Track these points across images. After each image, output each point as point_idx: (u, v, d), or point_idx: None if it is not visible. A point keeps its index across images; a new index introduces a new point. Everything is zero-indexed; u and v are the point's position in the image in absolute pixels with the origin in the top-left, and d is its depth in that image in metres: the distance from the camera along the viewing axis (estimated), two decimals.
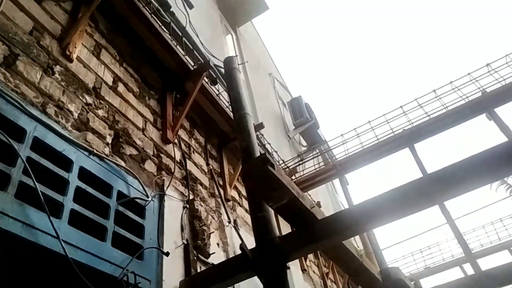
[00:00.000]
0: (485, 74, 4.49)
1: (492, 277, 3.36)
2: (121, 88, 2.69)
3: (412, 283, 6.91)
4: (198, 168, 3.33)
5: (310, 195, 6.24)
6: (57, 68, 2.12)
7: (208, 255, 2.61)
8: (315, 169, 5.05)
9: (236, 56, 6.30)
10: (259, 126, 4.10)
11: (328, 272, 5.94)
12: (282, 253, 1.86)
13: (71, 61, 2.25)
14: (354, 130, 5.05)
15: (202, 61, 3.99)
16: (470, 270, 7.45)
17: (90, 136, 2.14)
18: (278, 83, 10.30)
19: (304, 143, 9.29)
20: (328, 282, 5.93)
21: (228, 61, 3.28)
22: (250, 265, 1.89)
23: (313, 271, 5.48)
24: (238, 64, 6.81)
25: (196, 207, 2.73)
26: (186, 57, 3.76)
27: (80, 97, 2.22)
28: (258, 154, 2.35)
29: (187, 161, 3.16)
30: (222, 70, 3.74)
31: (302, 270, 4.88)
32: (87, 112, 2.22)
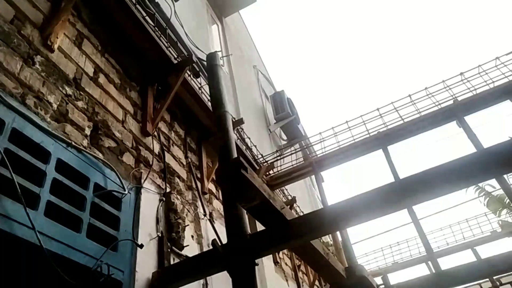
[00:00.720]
0: (459, 82, 4.69)
1: (451, 276, 3.58)
2: (102, 79, 2.70)
3: (380, 277, 7.20)
4: (176, 161, 3.38)
5: (286, 189, 6.39)
6: (38, 59, 2.13)
7: (182, 247, 2.69)
8: (293, 165, 5.17)
9: (220, 51, 6.29)
10: (238, 122, 4.17)
11: (300, 265, 6.12)
12: (251, 251, 1.95)
13: (52, 51, 2.25)
14: (332, 129, 5.19)
15: (186, 53, 4.01)
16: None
17: (68, 127, 2.17)
18: (262, 75, 10.35)
19: (285, 137, 9.42)
20: (300, 274, 6.12)
21: (211, 57, 3.32)
22: (220, 261, 1.98)
23: (285, 263, 5.64)
24: (223, 57, 6.84)
25: (173, 200, 2.80)
26: (170, 49, 3.77)
27: (60, 88, 2.23)
28: (235, 153, 2.43)
29: (166, 154, 3.21)
30: (206, 63, 3.78)
31: (275, 262, 5.03)
32: (67, 104, 2.23)
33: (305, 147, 5.54)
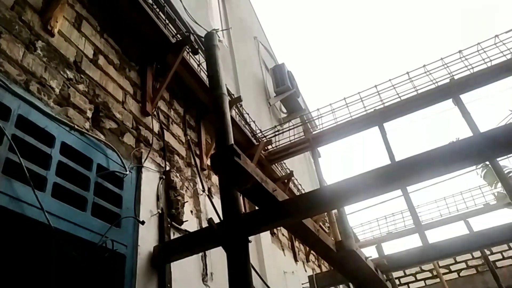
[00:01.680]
0: (457, 60, 4.70)
1: (437, 249, 3.77)
2: (101, 60, 2.77)
3: (375, 246, 7.46)
4: (176, 138, 3.49)
5: (285, 163, 6.52)
6: (39, 44, 2.19)
7: (181, 223, 2.85)
8: (290, 140, 5.28)
9: (218, 29, 6.17)
10: (236, 100, 4.23)
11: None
12: (244, 229, 2.10)
13: (52, 35, 2.31)
14: (330, 105, 5.25)
15: (185, 30, 4.02)
16: (431, 239, 8.09)
17: (71, 111, 2.26)
18: (263, 47, 10.25)
19: (285, 110, 9.47)
20: (296, 243, 6.39)
21: (209, 37, 3.34)
22: (216, 238, 2.14)
23: (282, 234, 5.89)
24: (222, 30, 6.76)
25: (172, 178, 2.93)
26: (169, 26, 3.79)
27: (62, 72, 2.30)
28: (231, 137, 2.53)
29: (166, 132, 3.31)
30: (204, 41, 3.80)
31: (272, 233, 5.26)
32: (68, 88, 2.32)
33: (302, 123, 5.62)
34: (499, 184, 15.57)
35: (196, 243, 2.27)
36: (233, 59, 6.73)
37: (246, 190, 2.00)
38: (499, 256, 10.24)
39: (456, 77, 4.49)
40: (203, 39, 4.09)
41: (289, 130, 5.53)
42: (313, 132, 5.08)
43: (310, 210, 2.17)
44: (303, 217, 2.28)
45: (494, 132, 1.85)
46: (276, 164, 5.71)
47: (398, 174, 1.94)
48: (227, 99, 2.83)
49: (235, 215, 2.14)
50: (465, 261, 10.35)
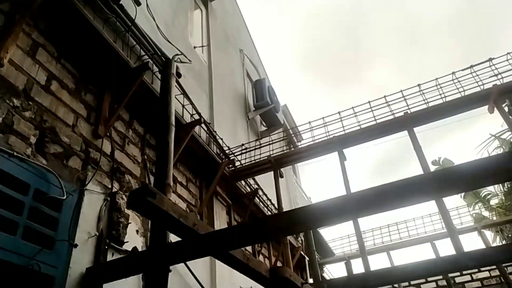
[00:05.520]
0: (416, 93, 4.90)
1: (379, 275, 3.94)
2: (54, 86, 2.91)
3: (344, 262, 7.59)
4: (130, 158, 3.64)
5: (254, 179, 6.66)
6: None
7: (122, 244, 2.99)
8: (254, 160, 5.44)
9: (200, 46, 6.22)
10: (196, 122, 4.36)
11: (261, 250, 6.52)
12: (165, 259, 2.25)
13: (1, 65, 2.45)
14: (295, 127, 5.42)
15: (152, 52, 4.18)
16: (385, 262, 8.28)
17: (12, 138, 2.41)
18: (249, 60, 10.42)
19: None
20: (260, 258, 6.54)
21: (166, 65, 3.52)
22: (138, 265, 2.29)
23: (245, 248, 6.03)
24: (202, 46, 6.92)
25: (117, 200, 3.08)
26: (134, 48, 3.96)
27: (8, 101, 2.45)
28: (171, 167, 2.70)
29: (120, 153, 3.46)
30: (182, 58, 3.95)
31: None
32: (13, 115, 2.46)
33: (260, 146, 5.76)
34: (477, 206, 15.84)
35: (122, 269, 2.42)
36: (211, 74, 6.87)
37: (166, 225, 2.16)
38: (468, 277, 10.46)
39: (412, 110, 4.69)
40: (182, 62, 4.28)
41: (254, 149, 5.69)
42: (274, 154, 5.24)
43: (232, 244, 2.32)
44: (226, 250, 2.43)
45: (441, 172, 2.01)
46: (242, 181, 5.86)
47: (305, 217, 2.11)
48: (172, 129, 3.00)
49: (158, 245, 2.30)
50: (435, 281, 10.57)
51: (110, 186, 3.15)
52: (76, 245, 2.52)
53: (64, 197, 2.58)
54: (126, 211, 3.16)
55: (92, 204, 2.87)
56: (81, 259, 2.58)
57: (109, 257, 2.83)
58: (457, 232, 9.24)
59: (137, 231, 3.32)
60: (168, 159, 2.73)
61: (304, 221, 2.12)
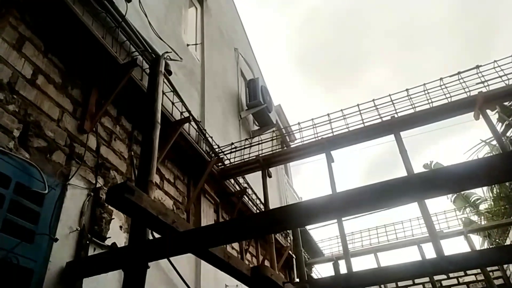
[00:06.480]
0: (404, 97, 4.95)
1: (359, 277, 3.99)
2: (40, 80, 2.92)
3: (332, 263, 7.64)
4: (117, 154, 3.64)
5: (244, 178, 6.69)
6: None
7: (104, 239, 3.00)
8: (243, 159, 5.47)
9: (193, 44, 6.24)
10: (184, 120, 4.38)
11: (248, 248, 6.56)
12: (145, 256, 2.27)
13: None
14: (284, 128, 5.45)
15: (142, 48, 4.20)
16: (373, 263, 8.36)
17: None
18: (243, 59, 10.44)
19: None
20: (247, 256, 6.57)
21: (154, 62, 3.53)
22: (117, 261, 2.31)
23: (232, 247, 6.06)
24: (195, 44, 6.92)
25: (101, 195, 3.09)
26: (124, 44, 3.96)
27: None
28: (154, 164, 2.72)
29: (106, 149, 3.47)
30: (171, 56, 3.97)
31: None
32: None
33: (250, 145, 5.79)
34: (467, 210, 16.02)
35: (102, 264, 2.44)
36: (203, 72, 6.88)
37: (145, 221, 2.18)
38: (454, 281, 10.58)
39: (399, 115, 4.74)
40: (165, 57, 4.28)
41: (244, 148, 5.71)
42: (262, 154, 5.27)
43: (211, 242, 2.35)
44: (205, 247, 2.46)
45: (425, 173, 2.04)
46: (232, 179, 5.88)
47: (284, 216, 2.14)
48: (158, 126, 3.02)
49: (138, 242, 2.32)
50: (422, 284, 10.70)
51: (94, 182, 3.16)
52: (56, 239, 2.53)
53: (46, 191, 2.59)
54: (110, 206, 3.17)
55: (75, 199, 2.88)
56: (61, 253, 2.59)
57: (91, 252, 2.84)
58: (439, 236, 9.34)
59: (120, 227, 3.33)
60: (152, 156, 2.74)
61: (286, 219, 2.15)
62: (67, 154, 2.98)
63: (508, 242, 9.58)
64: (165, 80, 4.32)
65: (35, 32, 2.96)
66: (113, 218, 3.17)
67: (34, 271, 2.38)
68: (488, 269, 8.45)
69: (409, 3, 38.41)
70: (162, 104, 4.08)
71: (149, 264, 2.60)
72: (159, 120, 3.06)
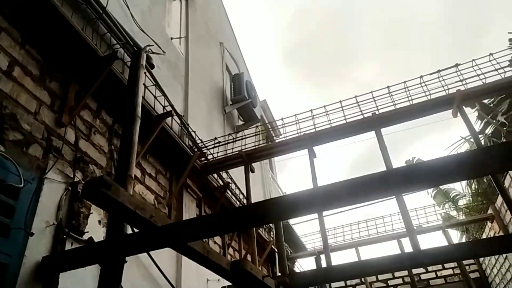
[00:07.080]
0: (385, 95, 5.03)
1: (338, 270, 4.06)
2: (17, 72, 2.86)
3: (314, 257, 7.73)
4: (96, 148, 3.60)
5: (228, 173, 6.70)
6: None
7: (82, 234, 2.98)
8: (226, 154, 5.48)
9: (177, 37, 6.20)
10: (166, 114, 4.35)
11: (231, 243, 6.59)
12: (122, 250, 2.27)
13: None
14: (268, 123, 5.47)
15: (123, 41, 4.14)
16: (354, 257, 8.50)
17: None
18: (228, 54, 10.40)
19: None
20: (230, 251, 6.60)
21: (136, 56, 3.49)
22: (94, 256, 2.30)
23: (214, 242, 6.08)
24: (179, 38, 6.85)
25: (79, 190, 3.05)
26: (104, 37, 3.90)
27: None
28: (134, 158, 2.70)
29: (85, 142, 3.43)
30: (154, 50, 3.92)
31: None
32: None
33: (234, 140, 5.80)
34: (447, 205, 16.41)
35: (78, 258, 2.42)
36: (187, 66, 6.83)
37: (122, 216, 2.17)
38: (433, 274, 10.84)
39: (380, 111, 4.81)
40: (147, 51, 4.23)
41: (226, 144, 5.72)
42: (246, 149, 5.29)
43: (189, 237, 2.36)
44: (184, 242, 2.46)
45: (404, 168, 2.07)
46: (215, 174, 5.89)
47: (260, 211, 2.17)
48: (138, 120, 3.00)
49: (115, 236, 2.31)
50: (402, 277, 10.95)
51: (72, 176, 3.12)
52: (32, 234, 2.50)
53: (22, 185, 2.55)
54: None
55: (52, 193, 2.85)
56: (37, 247, 2.56)
57: (68, 247, 2.81)
58: (418, 231, 9.56)
59: (99, 221, 3.30)
60: (131, 150, 2.73)
61: (266, 214, 2.17)
62: (44, 148, 2.94)
63: (484, 237, 9.87)
64: (147, 74, 4.28)
65: (12, 24, 2.90)
66: (92, 213, 3.14)
67: (8, 266, 2.35)
68: (465, 262, 8.70)
69: (399, 0, 38.84)
70: (144, 98, 4.07)
71: (129, 259, 2.60)
72: (139, 114, 3.04)
